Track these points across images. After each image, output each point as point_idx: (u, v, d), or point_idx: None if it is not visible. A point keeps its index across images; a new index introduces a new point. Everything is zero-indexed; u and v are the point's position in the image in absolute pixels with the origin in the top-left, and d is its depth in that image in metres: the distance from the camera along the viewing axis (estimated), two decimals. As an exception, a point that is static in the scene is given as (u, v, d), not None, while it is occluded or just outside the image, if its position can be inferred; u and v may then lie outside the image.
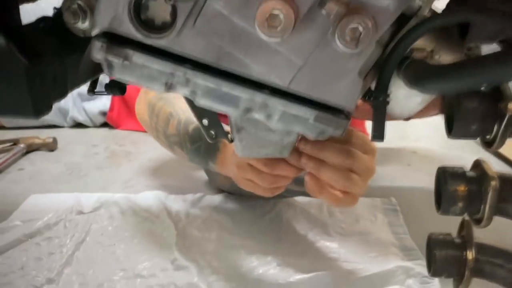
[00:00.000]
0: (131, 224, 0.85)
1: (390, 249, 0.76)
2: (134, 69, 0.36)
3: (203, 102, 0.38)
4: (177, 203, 0.92)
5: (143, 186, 1.00)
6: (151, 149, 1.20)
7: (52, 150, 1.22)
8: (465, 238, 0.50)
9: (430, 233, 0.52)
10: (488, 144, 0.44)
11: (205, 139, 0.71)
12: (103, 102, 1.39)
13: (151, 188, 0.99)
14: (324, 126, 0.37)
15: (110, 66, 0.35)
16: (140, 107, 0.93)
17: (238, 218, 0.87)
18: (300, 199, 0.92)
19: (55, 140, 1.23)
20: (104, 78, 0.70)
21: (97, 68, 0.46)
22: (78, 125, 1.41)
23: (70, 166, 1.12)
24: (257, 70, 0.36)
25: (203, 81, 0.36)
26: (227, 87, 0.36)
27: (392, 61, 0.36)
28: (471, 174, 0.46)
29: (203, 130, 0.51)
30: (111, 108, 1.40)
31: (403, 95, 0.41)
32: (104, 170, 1.11)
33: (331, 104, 0.36)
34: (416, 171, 1.09)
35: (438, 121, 1.64)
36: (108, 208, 0.90)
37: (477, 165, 0.46)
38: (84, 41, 0.41)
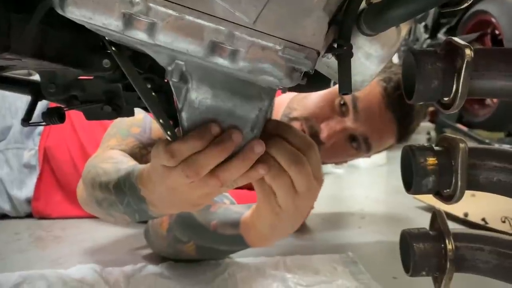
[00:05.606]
0: (61, 295, 0.73)
1: (356, 292, 0.71)
2: None
3: (163, 36, 0.35)
4: (115, 274, 0.81)
5: (75, 263, 0.88)
6: (83, 232, 1.09)
7: (-37, 239, 1.06)
8: (440, 229, 0.48)
9: (403, 229, 0.49)
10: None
11: (126, 190, 0.65)
12: (30, 189, 1.26)
13: (84, 264, 0.87)
14: (294, 58, 0.36)
15: (63, -4, 0.33)
16: (78, 188, 0.86)
17: (188, 281, 0.78)
18: (253, 259, 0.85)
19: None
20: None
21: (40, 50, 0.42)
22: (-1, 217, 1.26)
23: (-14, 252, 0.97)
24: (221, 6, 0.34)
25: (164, 8, 0.34)
26: (191, 15, 0.35)
27: (354, 4, 0.36)
28: (438, 148, 0.45)
29: (162, 128, 0.48)
30: (36, 197, 1.25)
31: (363, 55, 0.42)
32: (27, 252, 0.97)
33: (299, 43, 0.35)
34: (368, 232, 1.07)
35: (380, 195, 1.66)
36: (32, 283, 0.77)
37: (443, 139, 0.46)
38: (32, 3, 0.39)
